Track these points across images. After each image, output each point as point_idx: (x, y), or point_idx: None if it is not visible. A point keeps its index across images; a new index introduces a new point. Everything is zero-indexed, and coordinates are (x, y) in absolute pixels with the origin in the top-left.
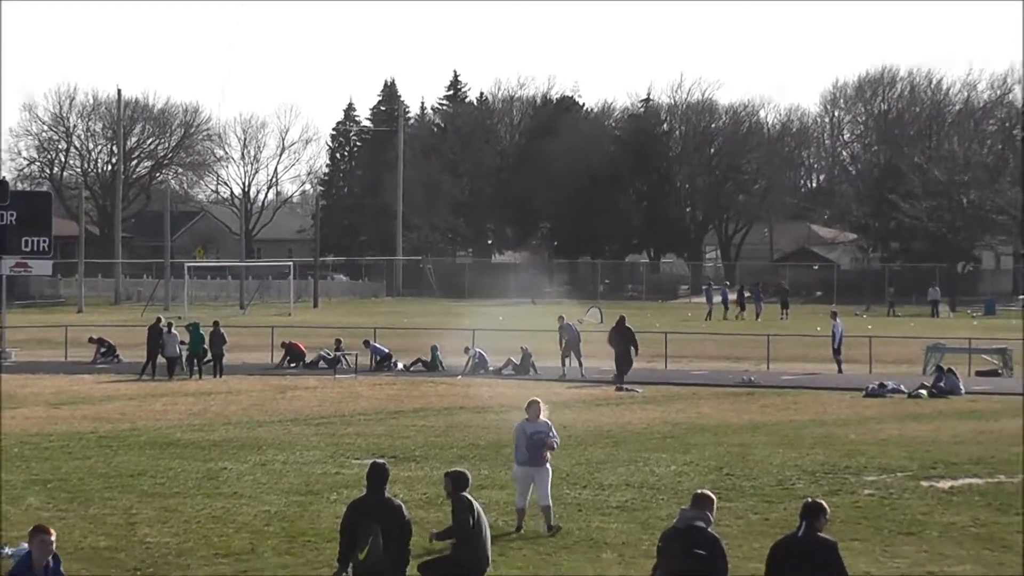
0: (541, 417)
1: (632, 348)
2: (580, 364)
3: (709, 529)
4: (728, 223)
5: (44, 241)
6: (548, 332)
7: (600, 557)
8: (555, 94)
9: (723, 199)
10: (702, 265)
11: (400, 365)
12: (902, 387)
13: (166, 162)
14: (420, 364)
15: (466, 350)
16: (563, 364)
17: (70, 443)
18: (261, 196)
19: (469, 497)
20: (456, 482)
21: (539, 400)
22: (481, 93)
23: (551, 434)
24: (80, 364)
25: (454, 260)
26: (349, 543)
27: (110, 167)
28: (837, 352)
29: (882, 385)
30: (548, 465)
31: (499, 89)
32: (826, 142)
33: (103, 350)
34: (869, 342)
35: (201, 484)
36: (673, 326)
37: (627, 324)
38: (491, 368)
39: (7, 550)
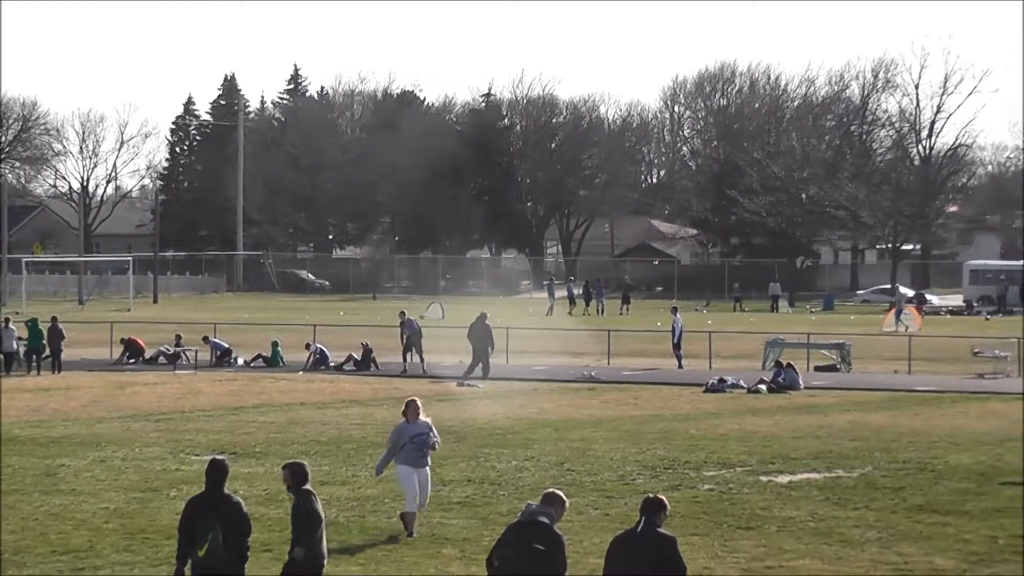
0: (421, 417)
1: (489, 345)
2: (422, 360)
3: (552, 526)
4: (569, 218)
5: None
6: (389, 327)
7: (441, 553)
8: (396, 89)
9: (564, 194)
10: (543, 260)
11: (241, 361)
12: (741, 382)
13: (3, 156)
14: (261, 360)
15: (307, 346)
16: (404, 360)
17: None
18: (100, 191)
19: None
20: (296, 474)
21: (417, 400)
22: (322, 88)
23: (433, 434)
24: None
25: (295, 255)
26: (188, 540)
27: None
28: (677, 347)
29: (722, 380)
30: (428, 467)
31: (340, 84)
32: (666, 138)
33: None
34: (709, 337)
35: (39, 481)
36: (514, 321)
37: (487, 321)
38: (332, 364)
39: None
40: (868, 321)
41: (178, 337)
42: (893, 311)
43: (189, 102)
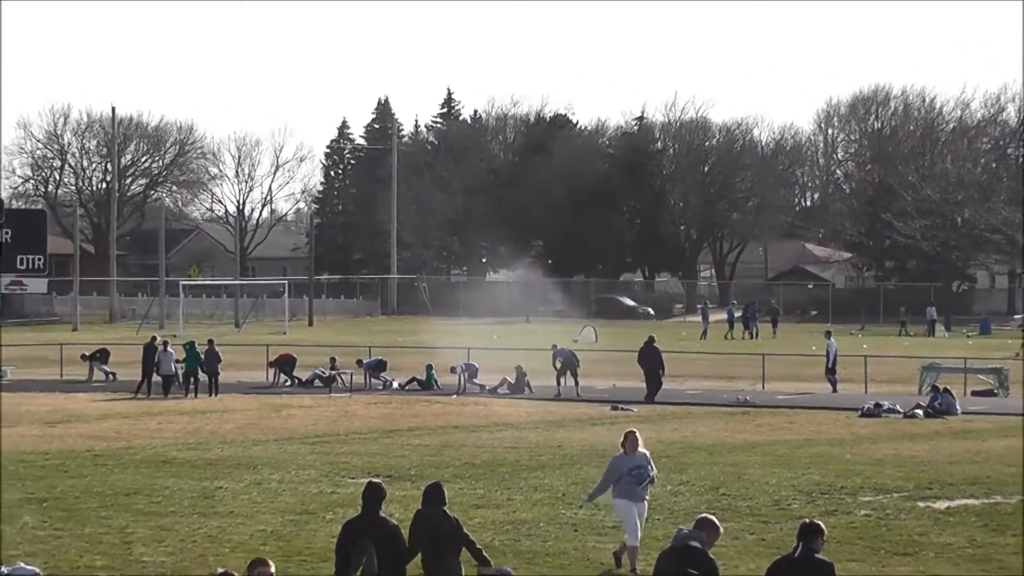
0: (639, 449)
1: (660, 368)
2: (576, 384)
3: (706, 551)
4: (722, 241)
5: (39, 259)
6: (543, 351)
7: None
8: (548, 112)
9: (717, 217)
10: (696, 284)
11: (395, 384)
12: (898, 407)
13: (160, 180)
14: (415, 383)
15: (452, 369)
16: (558, 383)
17: (65, 462)
18: (255, 214)
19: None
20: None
21: (636, 432)
22: (475, 111)
23: (651, 467)
24: (75, 382)
25: (448, 278)
26: (344, 563)
27: (105, 185)
28: (831, 371)
29: (878, 405)
30: (646, 500)
31: (492, 107)
32: (820, 160)
33: (97, 354)
34: (864, 361)
35: (196, 503)
36: (668, 345)
37: (655, 344)
38: (477, 381)
39: (3, 569)
40: None
41: (333, 360)
42: None
43: (344, 126)
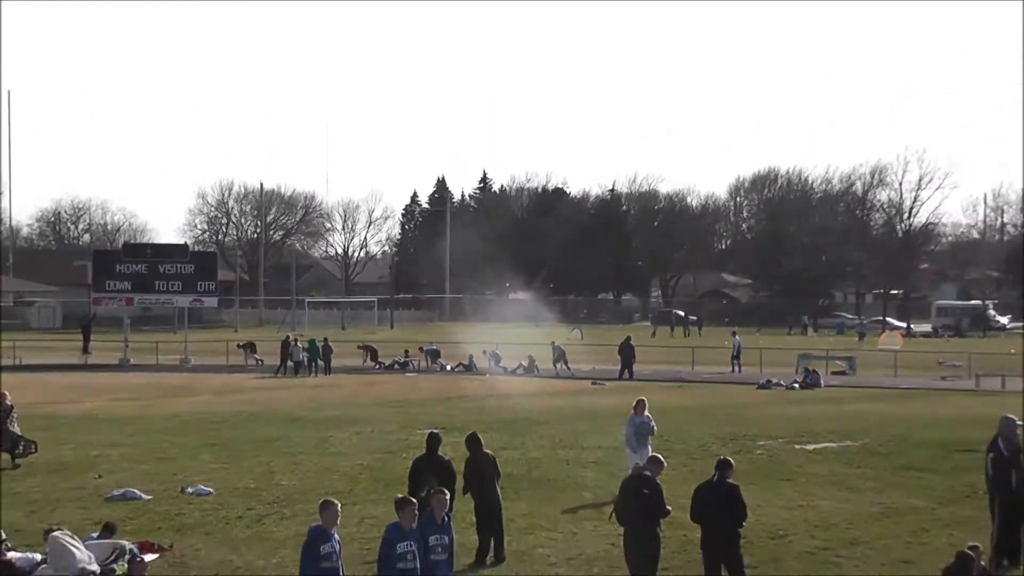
0: (645, 412)
1: (632, 358)
2: (567, 367)
3: (655, 478)
4: (667, 271)
5: (212, 284)
6: (545, 345)
7: (581, 496)
8: (551, 185)
9: (664, 255)
10: (648, 300)
11: (448, 367)
12: (782, 382)
13: (292, 231)
14: (461, 367)
15: (484, 352)
16: (555, 368)
17: (229, 419)
18: (355, 254)
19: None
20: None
21: (644, 399)
22: (501, 185)
23: (652, 423)
24: (236, 367)
25: (484, 296)
26: (413, 487)
27: (255, 235)
28: (736, 359)
29: (768, 381)
30: (649, 446)
31: (513, 182)
32: (732, 218)
33: (247, 345)
34: (760, 352)
35: (315, 447)
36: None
37: (631, 341)
38: (501, 366)
39: (188, 489)
40: (868, 342)
41: (406, 351)
42: (885, 334)
43: (414, 195)
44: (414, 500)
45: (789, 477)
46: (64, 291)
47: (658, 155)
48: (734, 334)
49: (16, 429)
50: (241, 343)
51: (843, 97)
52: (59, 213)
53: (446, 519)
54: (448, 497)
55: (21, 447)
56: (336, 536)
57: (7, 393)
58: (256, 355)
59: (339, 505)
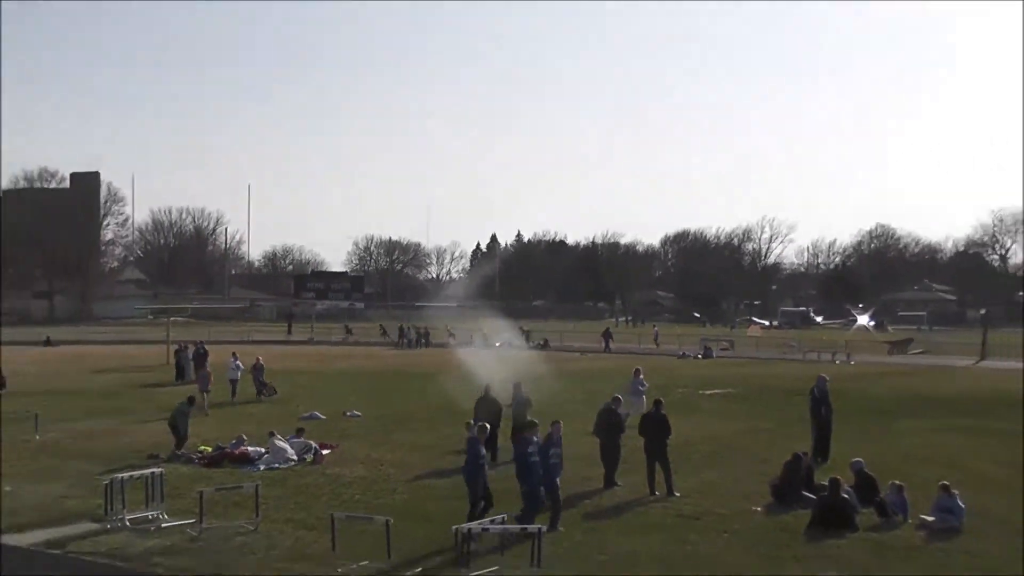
0: (640, 376)
1: (611, 340)
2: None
3: (617, 409)
4: (623, 289)
5: (360, 295)
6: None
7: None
8: (558, 238)
9: (622, 280)
10: (614, 307)
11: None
12: (690, 354)
13: (407, 264)
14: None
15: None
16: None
17: (375, 373)
18: (444, 278)
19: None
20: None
21: (640, 368)
22: (528, 240)
23: (645, 384)
24: (378, 343)
25: (531, 304)
26: (476, 417)
27: (386, 266)
28: (656, 340)
29: (684, 353)
30: (643, 401)
31: (536, 236)
32: (662, 258)
33: (382, 329)
34: (678, 337)
35: (420, 389)
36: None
37: (609, 330)
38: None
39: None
40: (740, 332)
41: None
42: (751, 327)
43: (477, 247)
44: (535, 423)
45: (695, 410)
46: (277, 299)
47: (622, 218)
48: (655, 327)
49: (263, 379)
50: (383, 329)
51: (726, 177)
52: (275, 254)
53: (560, 439)
54: (561, 426)
55: (266, 391)
56: (482, 449)
57: (260, 357)
58: (403, 336)
59: (488, 427)
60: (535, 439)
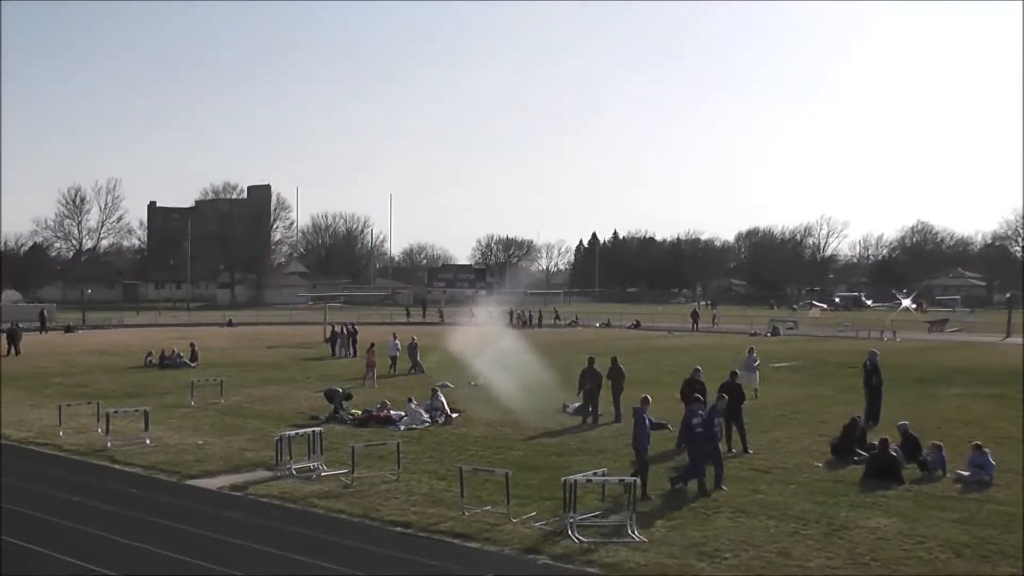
0: (753, 354)
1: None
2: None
3: (702, 380)
4: (702, 278)
5: (482, 283)
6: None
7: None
8: (647, 235)
9: (701, 269)
10: (695, 293)
11: (597, 324)
12: (760, 332)
13: (521, 257)
14: (570, 323)
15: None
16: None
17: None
18: (552, 270)
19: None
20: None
21: (753, 346)
22: (623, 237)
23: (756, 360)
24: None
25: (626, 290)
26: (580, 385)
27: (504, 260)
28: (705, 320)
29: (755, 332)
30: (757, 372)
31: (630, 234)
32: (735, 251)
33: (512, 313)
34: (750, 319)
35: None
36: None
37: (697, 311)
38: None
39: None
40: (803, 313)
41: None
42: (812, 309)
43: (580, 243)
44: (701, 398)
45: (765, 380)
46: (414, 287)
47: (702, 217)
48: (713, 310)
49: (418, 357)
50: (510, 312)
51: (789, 182)
52: (412, 250)
53: (722, 410)
54: (725, 399)
55: (415, 367)
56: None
57: (415, 336)
58: (520, 317)
59: (649, 399)
60: (700, 411)
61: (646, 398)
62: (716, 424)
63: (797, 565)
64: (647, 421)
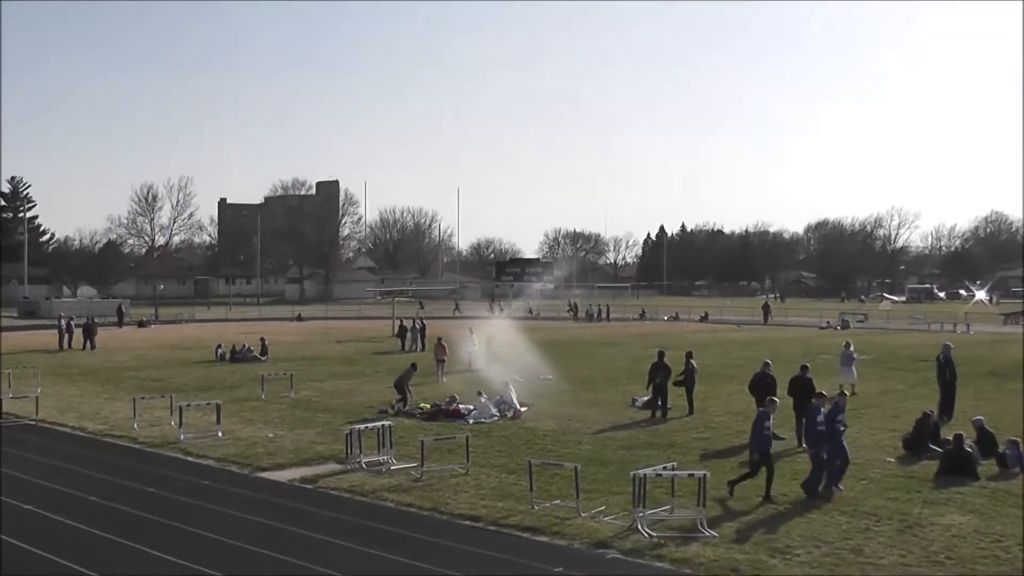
0: (851, 348)
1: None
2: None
3: (771, 373)
4: (770, 270)
5: (551, 277)
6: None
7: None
8: (715, 228)
9: (771, 261)
10: (764, 285)
11: (666, 318)
12: (830, 325)
13: (589, 251)
14: (637, 318)
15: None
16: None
17: (567, 342)
18: (619, 263)
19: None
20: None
21: (850, 340)
22: (691, 229)
23: (853, 353)
24: (563, 318)
25: (694, 284)
26: (650, 379)
27: (572, 254)
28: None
29: (828, 323)
30: (853, 368)
31: (697, 226)
32: (805, 243)
33: (573, 307)
34: (820, 311)
35: (603, 355)
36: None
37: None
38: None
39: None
40: (872, 306)
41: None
42: (883, 301)
43: (648, 236)
44: (824, 393)
45: (836, 374)
46: (481, 282)
47: (770, 209)
48: (765, 302)
49: (495, 349)
50: (569, 306)
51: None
52: (479, 245)
53: (844, 406)
54: (847, 396)
55: (489, 363)
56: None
57: (491, 331)
58: (576, 312)
59: (777, 401)
60: (823, 409)
61: (772, 399)
62: (840, 420)
63: (870, 562)
64: (769, 423)
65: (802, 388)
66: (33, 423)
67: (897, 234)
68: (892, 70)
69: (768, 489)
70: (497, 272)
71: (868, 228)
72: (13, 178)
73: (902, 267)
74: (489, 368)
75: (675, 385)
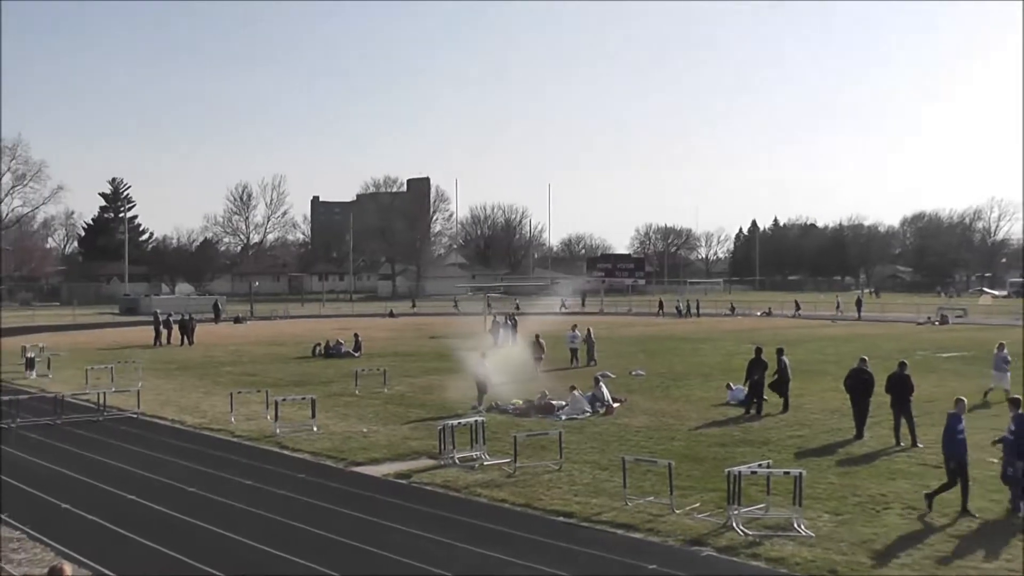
0: (1004, 351)
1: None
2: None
3: (870, 370)
4: (865, 264)
5: (641, 273)
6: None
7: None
8: (808, 223)
9: (864, 256)
10: (858, 279)
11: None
12: (928, 320)
13: (680, 247)
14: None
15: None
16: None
17: (651, 337)
18: (711, 257)
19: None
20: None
21: (1004, 342)
22: (783, 224)
23: (1006, 356)
24: (649, 313)
25: (787, 278)
26: (748, 375)
27: (663, 250)
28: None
29: (928, 319)
30: (1008, 372)
31: (790, 221)
32: (901, 237)
33: (660, 304)
34: (917, 306)
35: (690, 352)
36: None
37: (861, 298)
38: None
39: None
40: (972, 300)
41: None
42: (983, 296)
43: (740, 231)
44: (963, 399)
45: (934, 370)
46: (572, 277)
47: (860, 204)
48: (837, 298)
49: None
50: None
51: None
52: (570, 240)
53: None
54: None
55: (592, 360)
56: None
57: (591, 328)
58: (675, 307)
59: (965, 400)
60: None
61: (960, 400)
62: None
63: (972, 566)
64: (962, 427)
65: (900, 386)
66: (135, 416)
67: (997, 226)
68: (993, 60)
69: (964, 501)
70: (588, 268)
71: (967, 220)
72: (114, 179)
73: (1003, 260)
74: (592, 365)
75: (770, 388)
